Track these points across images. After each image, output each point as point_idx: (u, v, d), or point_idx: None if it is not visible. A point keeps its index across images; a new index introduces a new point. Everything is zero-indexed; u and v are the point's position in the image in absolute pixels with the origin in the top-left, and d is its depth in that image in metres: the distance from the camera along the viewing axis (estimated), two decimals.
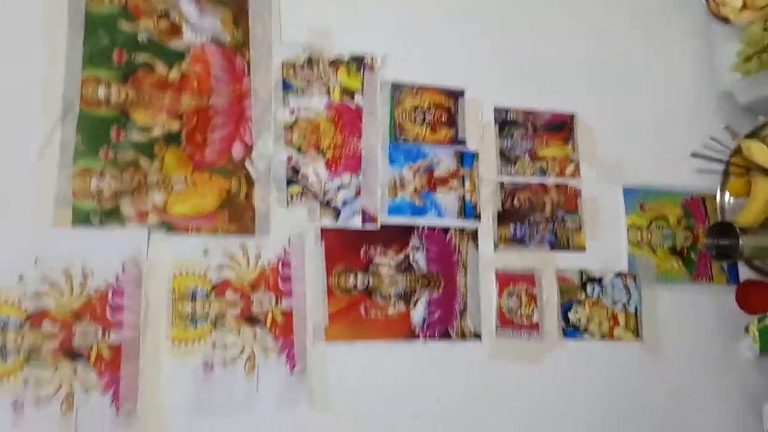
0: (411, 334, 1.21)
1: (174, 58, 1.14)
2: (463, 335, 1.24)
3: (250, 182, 1.15)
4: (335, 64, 1.26)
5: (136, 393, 1.03)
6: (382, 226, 1.24)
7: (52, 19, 1.08)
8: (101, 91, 1.08)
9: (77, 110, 1.06)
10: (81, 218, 1.04)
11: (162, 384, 1.05)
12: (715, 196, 1.49)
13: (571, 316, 1.33)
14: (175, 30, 1.14)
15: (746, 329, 1.39)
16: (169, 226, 1.09)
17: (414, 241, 1.25)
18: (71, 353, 1.00)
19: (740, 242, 1.31)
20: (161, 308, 1.07)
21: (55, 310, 1.00)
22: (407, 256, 1.24)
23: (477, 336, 1.26)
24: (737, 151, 1.42)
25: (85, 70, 1.08)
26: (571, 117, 1.43)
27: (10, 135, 1.04)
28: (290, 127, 1.21)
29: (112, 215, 1.06)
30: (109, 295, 1.03)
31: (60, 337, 1.00)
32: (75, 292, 1.02)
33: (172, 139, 1.11)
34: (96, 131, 1.07)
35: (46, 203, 1.03)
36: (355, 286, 1.20)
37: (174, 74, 1.13)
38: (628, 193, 1.44)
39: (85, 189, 1.05)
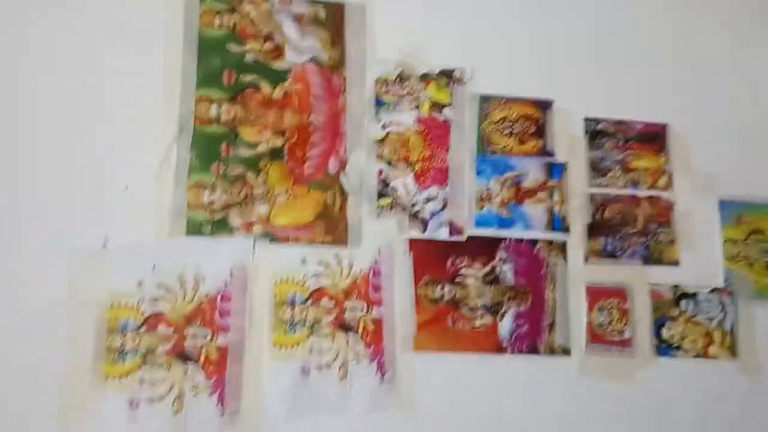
0: (498, 347, 1.23)
1: (278, 77, 1.21)
2: (551, 350, 1.25)
3: (344, 195, 1.20)
4: (425, 78, 1.29)
5: (240, 394, 1.09)
6: (468, 238, 1.26)
7: (169, 43, 1.17)
8: (213, 110, 1.16)
9: (191, 128, 1.15)
10: (194, 228, 1.12)
11: (263, 386, 1.12)
12: None
13: (664, 332, 1.31)
14: (279, 51, 1.21)
15: None
16: (271, 236, 1.16)
17: (501, 253, 1.27)
18: (183, 355, 1.08)
19: None
20: (264, 313, 1.14)
21: (169, 314, 1.09)
22: (494, 268, 1.26)
23: (566, 351, 1.25)
24: None
25: (198, 91, 1.16)
26: (664, 127, 1.40)
27: (132, 151, 1.13)
28: (381, 141, 1.25)
29: (221, 225, 1.14)
30: (218, 300, 1.11)
31: (173, 339, 1.08)
32: (188, 297, 1.10)
33: (275, 154, 1.18)
34: (208, 148, 1.15)
35: (162, 214, 1.12)
36: (442, 297, 1.23)
37: (278, 93, 1.20)
38: (725, 205, 1.40)
39: (198, 201, 1.13)
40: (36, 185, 1.10)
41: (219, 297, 1.11)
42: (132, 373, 1.06)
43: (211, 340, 1.10)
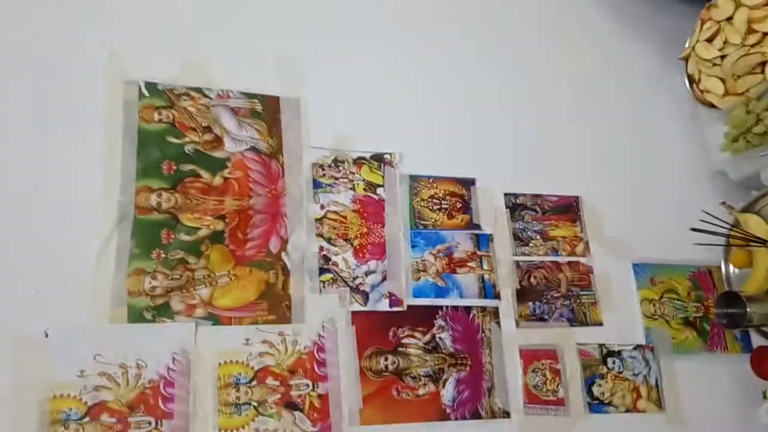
0: (442, 415, 1.26)
1: (217, 166, 1.27)
2: (492, 414, 1.29)
3: (286, 273, 1.25)
4: (358, 162, 1.39)
5: None
6: (408, 308, 1.31)
7: (109, 136, 1.22)
8: (153, 199, 1.20)
9: (132, 217, 1.18)
10: (135, 315, 1.13)
11: None
12: (720, 268, 1.57)
13: (595, 390, 1.38)
14: (218, 141, 1.28)
15: (764, 394, 1.43)
16: (214, 319, 1.17)
17: (439, 321, 1.33)
18: None
19: (747, 310, 1.38)
20: (208, 397, 1.13)
21: (112, 403, 1.07)
22: (434, 336, 1.31)
23: (506, 414, 1.30)
24: (736, 224, 1.52)
25: (138, 181, 1.20)
26: (577, 199, 1.54)
27: (71, 241, 1.14)
28: (320, 221, 1.32)
29: (163, 310, 1.15)
30: (161, 386, 1.10)
31: (117, 428, 1.06)
32: (130, 384, 1.09)
33: (216, 237, 1.22)
34: (149, 235, 1.18)
35: (103, 302, 1.12)
36: (386, 367, 1.26)
37: (217, 180, 1.26)
38: (638, 267, 1.53)
39: (139, 288, 1.14)
40: None
41: (162, 383, 1.11)
42: None
43: (156, 427, 1.08)
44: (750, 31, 1.48)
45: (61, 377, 1.06)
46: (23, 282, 1.10)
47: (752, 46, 1.47)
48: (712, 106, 1.58)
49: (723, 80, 1.54)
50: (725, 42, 1.52)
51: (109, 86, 1.25)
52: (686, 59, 1.64)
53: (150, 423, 1.08)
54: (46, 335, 1.07)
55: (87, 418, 1.05)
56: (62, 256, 1.13)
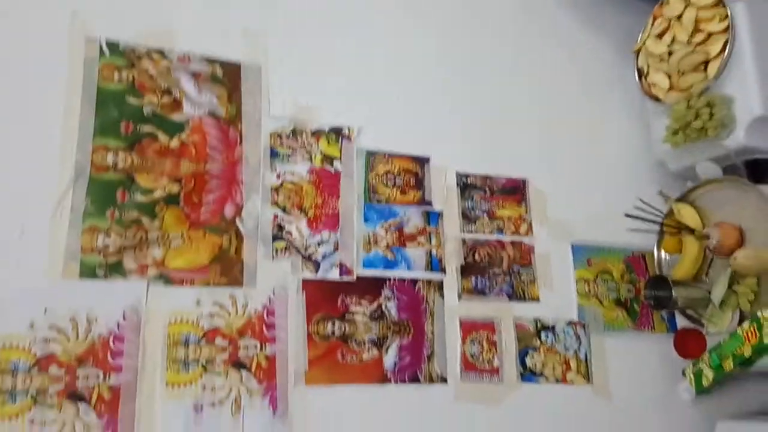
0: (383, 378, 1.33)
1: (175, 129, 1.28)
2: (431, 379, 1.37)
3: (239, 239, 1.28)
4: (317, 134, 1.42)
5: None
6: (357, 278, 1.37)
7: (68, 93, 1.22)
8: (110, 158, 1.22)
9: (88, 175, 1.19)
10: (88, 271, 1.15)
11: (156, 424, 1.14)
12: (653, 253, 1.67)
13: (528, 361, 1.47)
14: (177, 104, 1.30)
15: (683, 373, 1.55)
16: (166, 279, 1.21)
17: (386, 291, 1.39)
18: (75, 395, 1.09)
19: (673, 294, 1.48)
20: (157, 353, 1.17)
21: (61, 355, 1.10)
22: (380, 305, 1.37)
23: (443, 379, 1.38)
24: (670, 212, 1.62)
25: (95, 139, 1.21)
26: (524, 182, 1.61)
27: (27, 196, 1.15)
28: (276, 190, 1.35)
29: (115, 268, 1.17)
30: (111, 341, 1.13)
31: (65, 380, 1.09)
32: (80, 338, 1.12)
33: (171, 200, 1.24)
34: (104, 193, 1.20)
35: (56, 257, 1.14)
36: (333, 333, 1.32)
37: (175, 143, 1.27)
38: (576, 249, 1.62)
39: (92, 245, 1.16)
40: None
41: (112, 338, 1.14)
42: (22, 413, 1.05)
43: (104, 380, 1.12)
44: (697, 30, 1.55)
45: (10, 329, 1.08)
46: None
47: (698, 44, 1.55)
48: (657, 99, 1.66)
49: (669, 75, 1.62)
50: (673, 39, 1.60)
51: (71, 43, 1.24)
52: (638, 53, 1.71)
53: (98, 376, 1.11)
54: None
55: (35, 369, 1.08)
56: (17, 211, 1.14)
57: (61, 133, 1.20)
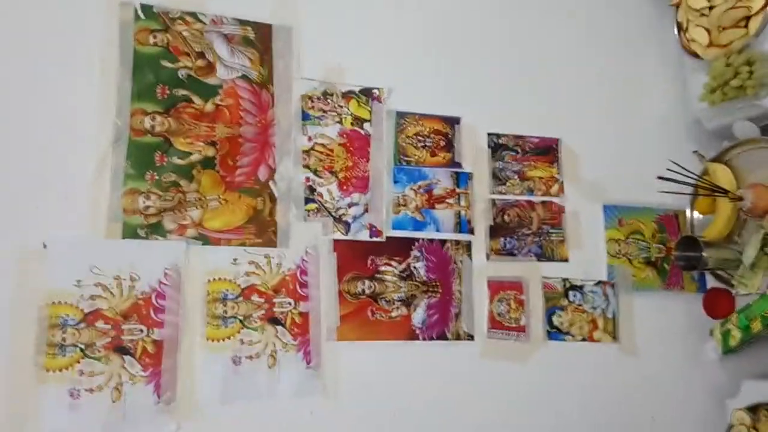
0: (411, 335, 1.38)
1: (209, 92, 1.31)
2: (457, 336, 1.41)
3: (273, 200, 1.32)
4: (347, 96, 1.43)
5: (175, 383, 1.19)
6: (387, 239, 1.40)
7: (105, 57, 1.25)
8: (147, 122, 1.25)
9: (127, 138, 1.23)
10: (130, 232, 1.21)
11: (197, 375, 1.21)
12: (686, 213, 1.66)
13: (555, 320, 1.50)
14: (210, 68, 1.32)
15: (711, 332, 1.56)
16: (204, 239, 1.26)
17: (415, 252, 1.42)
18: (120, 348, 1.16)
19: (703, 254, 1.48)
20: (197, 310, 1.23)
21: (107, 311, 1.17)
22: (409, 266, 1.41)
23: (470, 337, 1.42)
24: (704, 172, 1.59)
25: (133, 103, 1.25)
26: (557, 141, 1.60)
27: (69, 159, 1.20)
28: (308, 152, 1.38)
29: (156, 229, 1.22)
30: (153, 298, 1.20)
31: (111, 334, 1.16)
32: (124, 295, 1.18)
33: (207, 163, 1.28)
34: (143, 156, 1.24)
35: (99, 219, 1.20)
36: (363, 291, 1.36)
37: (209, 107, 1.30)
38: (608, 209, 1.61)
39: (133, 207, 1.22)
40: None
41: (154, 295, 1.20)
42: (72, 365, 1.13)
43: (147, 335, 1.18)
44: None
45: (59, 285, 1.15)
46: (24, 198, 1.16)
47: None
48: (696, 55, 1.61)
49: (708, 31, 1.57)
50: None
51: (107, 7, 1.26)
52: (677, 6, 1.66)
53: (142, 330, 1.18)
54: (45, 246, 1.15)
55: (83, 324, 1.15)
56: (61, 174, 1.19)
57: (100, 98, 1.24)
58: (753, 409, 1.43)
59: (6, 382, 1.10)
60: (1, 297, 1.11)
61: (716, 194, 1.52)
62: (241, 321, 1.25)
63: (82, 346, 1.14)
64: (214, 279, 1.25)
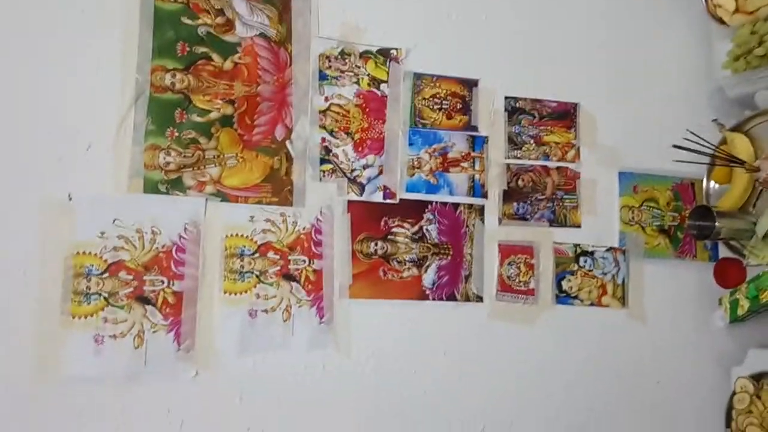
0: (422, 295, 1.41)
1: (228, 50, 1.32)
2: (467, 297, 1.44)
3: (289, 160, 1.34)
4: (365, 56, 1.43)
5: (194, 333, 1.24)
6: (400, 201, 1.42)
7: (126, 14, 1.26)
8: (167, 79, 1.27)
9: (148, 94, 1.25)
10: (151, 187, 1.24)
11: (215, 326, 1.26)
12: (702, 182, 1.65)
13: (564, 284, 1.52)
14: (229, 26, 1.32)
15: (719, 301, 1.57)
16: (222, 196, 1.29)
17: (428, 214, 1.44)
18: (142, 298, 1.22)
19: (717, 224, 1.48)
20: (215, 264, 1.28)
21: (129, 262, 1.21)
22: (421, 228, 1.43)
23: (479, 298, 1.45)
24: (722, 142, 1.58)
25: (154, 60, 1.27)
26: (575, 106, 1.59)
27: (92, 113, 1.23)
28: (324, 113, 1.39)
29: (176, 184, 1.26)
30: (174, 251, 1.24)
31: (133, 284, 1.21)
32: (146, 247, 1.22)
33: (226, 121, 1.30)
34: (163, 113, 1.26)
35: (122, 173, 1.23)
36: (375, 251, 1.39)
37: (228, 65, 1.32)
38: (623, 176, 1.61)
39: (154, 162, 1.25)
40: (3, 144, 1.19)
41: (174, 248, 1.24)
42: (96, 313, 1.18)
43: (168, 286, 1.23)
44: None
45: (83, 236, 1.20)
46: (48, 150, 1.20)
47: None
48: (721, 21, 1.58)
49: None
50: None
51: None
52: None
53: (163, 282, 1.23)
54: (70, 198, 1.19)
55: (107, 274, 1.20)
56: (84, 127, 1.22)
57: (122, 54, 1.26)
58: (757, 378, 1.46)
59: (34, 328, 1.16)
60: (27, 247, 1.16)
61: (732, 164, 1.51)
62: (257, 276, 1.30)
63: (106, 295, 1.19)
64: (231, 235, 1.29)
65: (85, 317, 1.18)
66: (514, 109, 1.54)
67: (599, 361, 1.53)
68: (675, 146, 1.42)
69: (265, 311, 1.29)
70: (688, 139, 1.45)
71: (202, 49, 1.30)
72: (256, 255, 1.30)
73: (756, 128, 1.56)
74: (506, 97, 1.54)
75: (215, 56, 1.31)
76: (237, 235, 1.29)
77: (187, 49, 1.29)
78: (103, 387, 1.18)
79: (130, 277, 1.21)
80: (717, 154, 1.52)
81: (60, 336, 1.16)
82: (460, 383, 1.42)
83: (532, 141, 1.55)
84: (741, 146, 1.54)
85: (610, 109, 1.62)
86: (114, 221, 1.21)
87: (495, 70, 1.53)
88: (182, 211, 1.25)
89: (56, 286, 1.17)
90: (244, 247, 1.29)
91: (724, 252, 1.63)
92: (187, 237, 1.25)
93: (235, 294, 1.28)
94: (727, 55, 1.56)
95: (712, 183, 1.64)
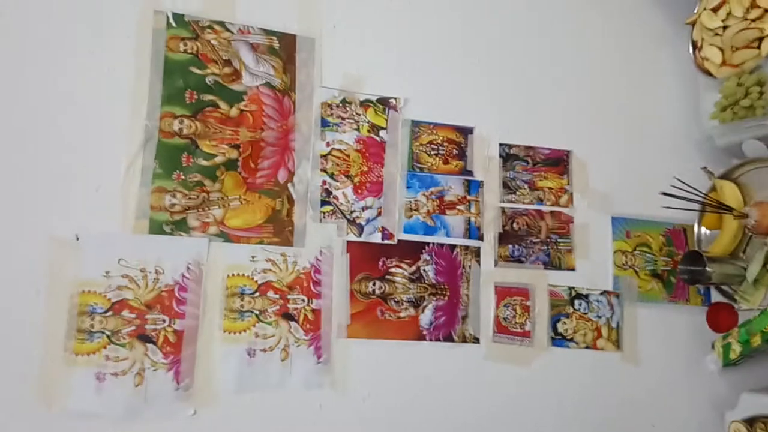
0: (419, 335, 1.43)
1: (235, 98, 1.38)
2: (464, 338, 1.46)
3: (291, 202, 1.39)
4: (365, 104, 1.49)
5: (193, 371, 1.26)
6: (398, 242, 1.46)
7: (138, 63, 1.33)
8: (176, 125, 1.33)
9: (156, 139, 1.31)
10: (156, 227, 1.28)
11: (214, 365, 1.29)
12: (693, 228, 1.69)
13: (560, 327, 1.54)
14: (236, 75, 1.39)
15: (712, 345, 1.59)
16: (225, 236, 1.33)
17: (425, 255, 1.48)
18: (144, 337, 1.24)
19: (707, 269, 1.51)
20: (216, 302, 1.31)
21: (132, 301, 1.24)
22: (419, 268, 1.47)
23: (476, 340, 1.47)
24: (712, 189, 1.62)
25: (163, 107, 1.32)
26: (567, 153, 1.64)
27: (103, 156, 1.28)
28: (325, 157, 1.45)
29: (180, 225, 1.30)
30: (176, 291, 1.27)
31: (136, 323, 1.24)
32: (149, 286, 1.26)
33: (230, 164, 1.35)
34: (171, 157, 1.31)
35: (128, 214, 1.27)
36: (374, 291, 1.43)
37: (234, 112, 1.37)
38: (616, 221, 1.65)
39: (160, 204, 1.29)
40: (16, 183, 1.23)
41: (177, 288, 1.28)
42: (99, 350, 1.21)
43: (169, 324, 1.26)
44: (753, 5, 1.53)
45: (89, 275, 1.23)
46: (58, 190, 1.24)
47: (753, 20, 1.52)
48: (709, 74, 1.64)
49: (722, 50, 1.60)
50: (729, 13, 1.57)
51: (140, 15, 1.34)
52: (693, 24, 1.69)
53: (164, 320, 1.26)
54: (77, 238, 1.23)
55: (110, 312, 1.23)
56: (94, 169, 1.27)
57: (132, 100, 1.31)
58: (750, 422, 1.46)
59: (38, 364, 1.18)
60: (35, 284, 1.19)
61: (721, 211, 1.55)
62: (256, 315, 1.32)
63: (109, 333, 1.22)
64: (233, 274, 1.32)
65: (88, 355, 1.20)
66: (508, 156, 1.60)
67: (594, 403, 1.54)
68: (663, 193, 1.47)
69: (264, 350, 1.32)
70: (676, 187, 1.49)
71: (209, 97, 1.36)
72: (257, 294, 1.33)
73: (744, 176, 1.61)
74: (501, 144, 1.60)
75: (222, 104, 1.37)
76: (238, 274, 1.33)
77: (195, 96, 1.35)
78: (103, 424, 1.20)
79: (133, 315, 1.24)
80: (706, 200, 1.57)
81: (63, 373, 1.18)
82: (456, 424, 1.43)
83: (526, 186, 1.59)
84: (730, 193, 1.58)
85: (602, 157, 1.68)
86: (119, 261, 1.25)
87: (489, 118, 1.59)
88: (185, 251, 1.29)
89: (61, 324, 1.20)
90: (245, 286, 1.33)
91: (716, 297, 1.66)
92: (190, 276, 1.28)
93: (235, 333, 1.31)
94: (714, 105, 1.62)
95: (703, 229, 1.68)
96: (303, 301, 1.36)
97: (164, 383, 1.24)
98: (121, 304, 1.24)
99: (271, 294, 1.34)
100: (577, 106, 1.69)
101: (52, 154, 1.26)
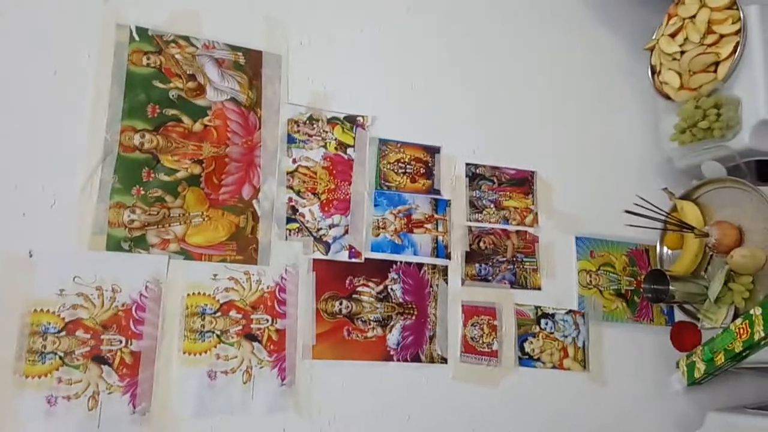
0: (386, 356, 1.41)
1: (198, 113, 1.36)
2: (431, 359, 1.44)
3: (255, 219, 1.36)
4: (332, 122, 1.48)
5: (150, 394, 1.21)
6: (365, 260, 1.44)
7: (99, 76, 1.29)
8: (136, 139, 1.29)
9: (116, 153, 1.27)
10: (114, 244, 1.24)
11: (173, 388, 1.23)
12: (656, 248, 1.72)
13: (527, 346, 1.54)
14: (200, 90, 1.37)
15: (677, 364, 1.60)
16: (186, 254, 1.29)
17: (392, 274, 1.46)
18: (99, 358, 1.19)
19: (670, 288, 1.53)
20: (175, 323, 1.26)
21: (87, 321, 1.19)
22: (386, 287, 1.45)
23: (443, 360, 1.45)
24: (673, 209, 1.66)
25: (124, 121, 1.29)
26: (532, 174, 1.66)
27: (59, 170, 1.23)
28: (291, 174, 1.43)
29: (139, 242, 1.26)
30: (133, 310, 1.22)
31: (90, 344, 1.19)
32: (105, 305, 1.21)
33: (193, 180, 1.32)
34: (130, 172, 1.28)
35: (85, 230, 1.23)
36: (340, 311, 1.40)
37: (197, 126, 1.35)
38: (580, 241, 1.67)
39: (118, 220, 1.25)
40: None
41: (134, 307, 1.23)
42: (51, 372, 1.15)
43: (126, 345, 1.21)
44: (709, 31, 1.58)
45: (41, 294, 1.17)
46: (12, 205, 1.19)
47: (709, 45, 1.57)
48: (668, 97, 1.69)
49: (680, 74, 1.65)
50: (686, 39, 1.62)
51: (103, 28, 1.31)
52: (651, 50, 1.74)
53: (120, 341, 1.20)
54: (31, 255, 1.18)
55: (63, 332, 1.17)
56: (50, 184, 1.23)
57: (92, 114, 1.28)
58: None
59: None
60: None
61: (683, 230, 1.58)
62: (218, 336, 1.28)
63: (62, 354, 1.16)
64: (193, 293, 1.28)
65: (39, 377, 1.14)
66: (474, 175, 1.60)
67: (562, 424, 1.53)
68: (627, 211, 1.49)
69: (225, 372, 1.27)
70: (638, 205, 1.52)
71: (172, 112, 1.34)
72: (218, 314, 1.29)
73: (703, 196, 1.65)
74: (467, 164, 1.60)
75: (185, 118, 1.34)
76: (199, 293, 1.28)
77: (158, 110, 1.32)
78: None
79: (88, 335, 1.19)
80: (668, 220, 1.59)
81: (12, 397, 1.12)
82: None
83: (492, 205, 1.60)
84: (690, 213, 1.61)
85: (565, 178, 1.70)
86: (74, 278, 1.20)
87: (456, 138, 1.60)
88: (144, 268, 1.25)
89: (11, 345, 1.14)
90: (206, 305, 1.29)
91: (679, 316, 1.68)
92: (148, 295, 1.24)
93: (195, 354, 1.26)
94: (674, 128, 1.66)
95: (665, 249, 1.71)
96: (267, 320, 1.33)
97: (120, 407, 1.18)
98: (75, 324, 1.18)
99: (233, 314, 1.30)
100: (540, 129, 1.71)
101: (7, 167, 1.21)
